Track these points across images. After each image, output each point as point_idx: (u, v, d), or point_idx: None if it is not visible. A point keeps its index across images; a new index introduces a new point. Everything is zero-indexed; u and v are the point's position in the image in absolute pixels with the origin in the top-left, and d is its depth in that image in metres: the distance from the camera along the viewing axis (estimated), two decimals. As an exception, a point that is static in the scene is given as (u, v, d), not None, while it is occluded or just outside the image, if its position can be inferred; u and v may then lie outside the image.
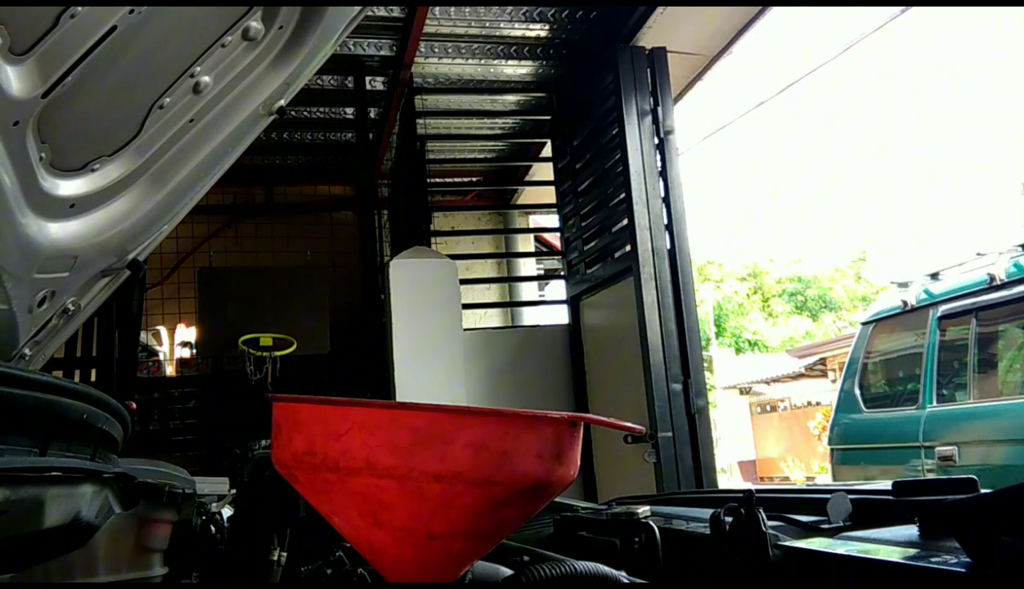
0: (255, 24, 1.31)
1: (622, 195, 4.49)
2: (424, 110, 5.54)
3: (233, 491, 1.68)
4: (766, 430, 18.20)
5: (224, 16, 1.25)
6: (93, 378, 2.62)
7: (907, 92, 43.71)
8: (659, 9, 4.43)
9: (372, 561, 0.77)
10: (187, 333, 6.68)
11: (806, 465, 15.49)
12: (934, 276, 5.28)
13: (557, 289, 6.68)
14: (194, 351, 6.52)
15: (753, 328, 24.33)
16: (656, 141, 4.46)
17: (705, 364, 5.36)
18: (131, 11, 1.01)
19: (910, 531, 0.86)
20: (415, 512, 0.69)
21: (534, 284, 7.84)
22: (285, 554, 1.41)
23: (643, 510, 1.21)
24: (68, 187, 1.19)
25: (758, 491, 0.99)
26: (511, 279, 7.46)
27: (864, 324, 5.96)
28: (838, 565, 0.82)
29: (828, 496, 1.14)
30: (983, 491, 0.95)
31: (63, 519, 0.90)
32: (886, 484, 1.15)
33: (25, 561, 0.98)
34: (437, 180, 7.11)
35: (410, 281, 4.79)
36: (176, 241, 6.65)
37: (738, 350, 23.56)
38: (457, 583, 0.80)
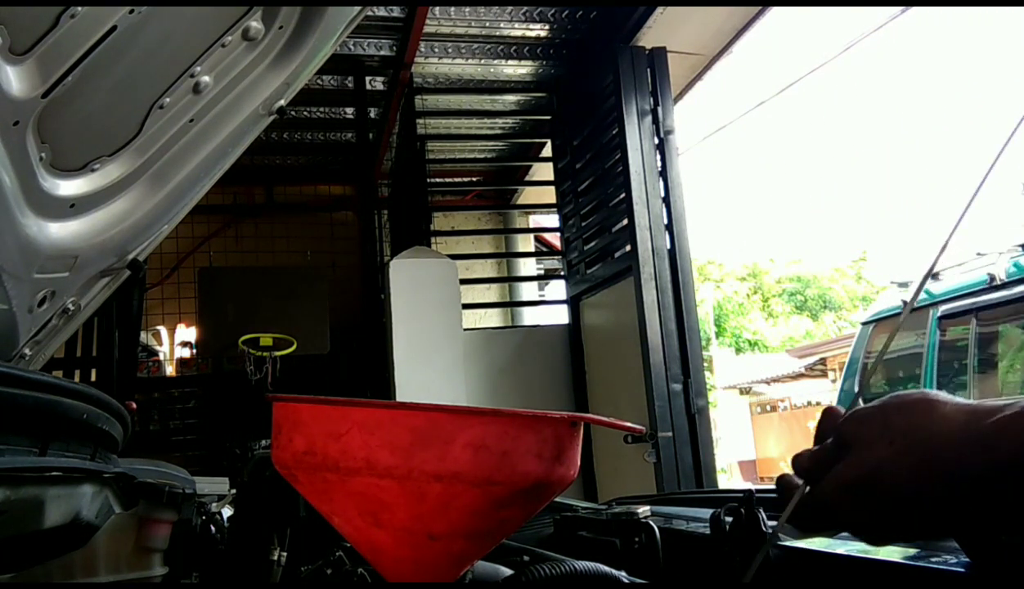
0: (255, 24, 1.31)
1: (622, 195, 4.50)
2: (424, 110, 5.54)
3: (233, 491, 1.68)
4: (766, 430, 18.19)
5: (224, 16, 1.25)
6: (93, 378, 2.62)
7: (907, 92, 43.71)
8: (659, 9, 4.43)
9: (372, 561, 0.77)
10: (187, 333, 6.68)
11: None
12: (934, 276, 5.28)
13: (557, 289, 6.68)
14: (194, 351, 6.52)
15: (753, 328, 24.33)
16: (656, 141, 4.46)
17: (705, 364, 5.36)
18: (131, 11, 1.01)
19: (910, 531, 0.86)
20: (415, 512, 0.69)
21: (534, 284, 7.84)
22: (285, 554, 1.41)
23: (643, 510, 1.21)
24: (68, 187, 1.19)
25: (758, 491, 0.98)
26: (511, 279, 7.46)
27: (864, 324, 5.96)
28: (838, 565, 0.82)
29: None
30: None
31: (63, 519, 0.90)
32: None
33: (25, 561, 0.98)
34: (437, 180, 7.11)
35: (410, 281, 4.79)
36: (176, 241, 6.66)
37: (738, 350, 23.56)
38: (457, 583, 0.79)
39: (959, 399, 0.58)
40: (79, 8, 0.93)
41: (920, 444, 0.56)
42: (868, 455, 0.58)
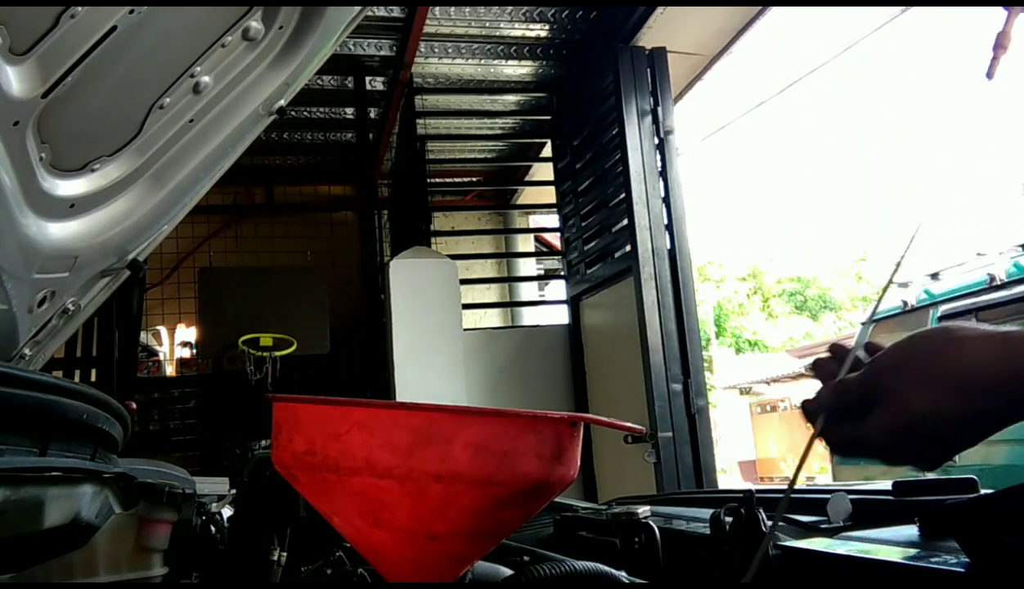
0: (255, 24, 1.31)
1: (622, 195, 4.50)
2: (424, 110, 5.54)
3: (233, 491, 1.68)
4: (766, 430, 18.19)
5: (224, 16, 1.25)
6: (93, 378, 2.61)
7: (908, 91, 43.71)
8: (659, 9, 4.43)
9: (372, 561, 0.77)
10: (187, 333, 6.68)
11: (806, 465, 15.48)
12: (934, 276, 5.28)
13: (557, 289, 6.68)
14: (194, 351, 6.52)
15: (753, 328, 24.32)
16: (656, 141, 4.46)
17: (705, 364, 5.36)
18: (131, 11, 1.01)
19: (910, 531, 0.86)
20: (415, 512, 0.69)
21: (534, 284, 7.84)
22: (285, 554, 1.41)
23: (643, 510, 1.21)
24: (68, 187, 1.19)
25: (758, 491, 0.99)
26: (511, 279, 7.46)
27: (864, 324, 5.95)
28: (838, 565, 0.82)
29: (828, 496, 1.14)
30: (983, 491, 0.95)
31: (63, 519, 0.90)
32: (886, 484, 1.15)
33: (25, 561, 0.98)
34: (437, 180, 7.11)
35: (410, 281, 4.79)
36: (176, 241, 6.66)
37: (738, 350, 23.55)
38: (457, 583, 0.80)
39: (981, 327, 0.62)
40: (79, 8, 0.93)
41: (958, 390, 0.60)
42: (911, 405, 0.62)
